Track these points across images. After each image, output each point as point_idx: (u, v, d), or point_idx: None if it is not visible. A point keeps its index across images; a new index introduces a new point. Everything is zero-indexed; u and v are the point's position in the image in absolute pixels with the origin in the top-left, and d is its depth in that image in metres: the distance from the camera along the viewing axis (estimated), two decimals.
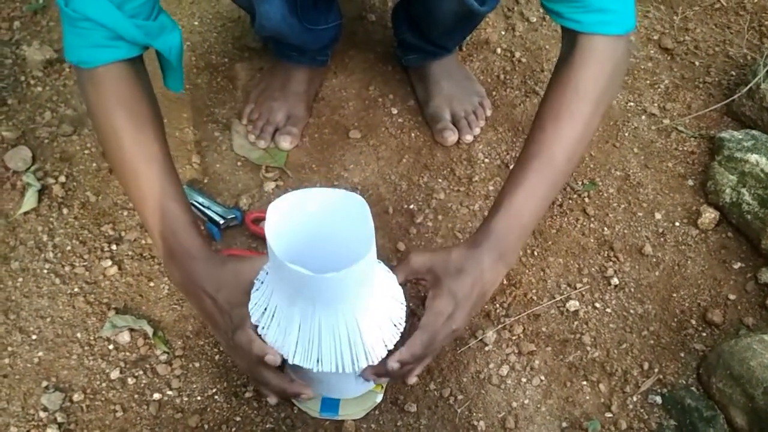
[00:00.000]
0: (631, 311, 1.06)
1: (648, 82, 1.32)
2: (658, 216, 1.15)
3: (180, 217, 0.80)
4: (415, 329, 0.78)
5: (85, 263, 1.05)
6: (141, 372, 0.97)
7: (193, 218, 0.82)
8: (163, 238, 0.80)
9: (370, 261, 0.66)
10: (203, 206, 1.09)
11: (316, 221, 0.72)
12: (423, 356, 0.79)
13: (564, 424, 0.96)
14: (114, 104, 0.80)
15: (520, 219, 0.80)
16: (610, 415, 0.97)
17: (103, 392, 0.95)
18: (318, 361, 0.72)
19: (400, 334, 0.76)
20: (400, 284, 0.79)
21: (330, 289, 0.66)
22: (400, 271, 0.81)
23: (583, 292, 1.07)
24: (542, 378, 0.99)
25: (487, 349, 1.01)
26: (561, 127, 0.80)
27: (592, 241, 1.12)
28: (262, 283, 0.75)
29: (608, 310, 1.06)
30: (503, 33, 1.36)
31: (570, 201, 1.16)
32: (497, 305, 1.04)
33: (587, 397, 0.98)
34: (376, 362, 0.73)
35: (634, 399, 0.98)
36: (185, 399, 0.95)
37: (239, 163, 1.18)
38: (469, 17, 1.05)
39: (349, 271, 0.63)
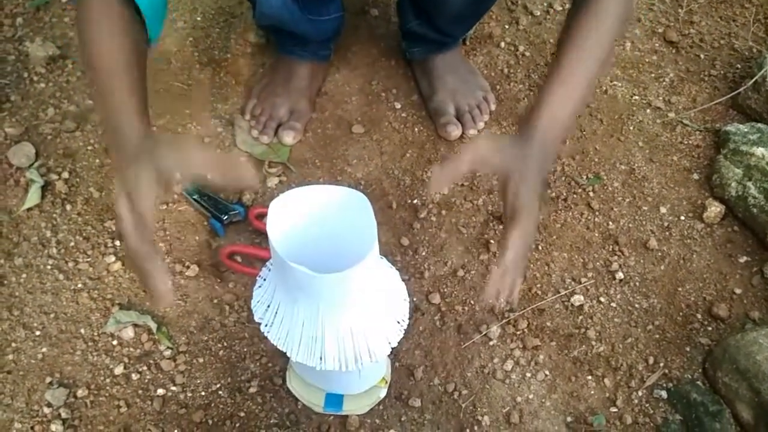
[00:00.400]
0: (636, 305, 1.06)
1: (653, 75, 1.31)
2: (663, 210, 1.15)
3: (128, 100, 0.77)
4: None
5: (88, 259, 1.05)
6: (145, 367, 0.97)
7: (143, 108, 0.79)
8: (109, 121, 0.77)
9: (372, 259, 0.66)
10: (206, 202, 1.09)
11: (318, 219, 0.71)
12: (523, 258, 0.77)
13: (569, 419, 0.96)
14: (96, 30, 0.79)
15: (561, 115, 0.81)
16: (616, 409, 0.97)
17: (107, 388, 0.95)
18: (321, 358, 0.71)
19: (403, 331, 0.75)
20: (462, 173, 0.76)
21: (333, 287, 0.65)
22: (465, 154, 0.76)
23: (588, 287, 1.07)
24: (547, 373, 0.99)
25: (491, 343, 1.01)
26: (597, 31, 0.81)
27: (596, 235, 1.12)
28: (264, 280, 0.75)
29: (613, 304, 1.06)
30: (507, 27, 1.35)
31: (575, 195, 1.15)
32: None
33: (592, 392, 0.98)
34: (379, 360, 0.73)
35: (640, 393, 0.98)
36: (189, 394, 0.96)
37: (242, 159, 1.17)
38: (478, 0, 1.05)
39: (351, 271, 0.63)
